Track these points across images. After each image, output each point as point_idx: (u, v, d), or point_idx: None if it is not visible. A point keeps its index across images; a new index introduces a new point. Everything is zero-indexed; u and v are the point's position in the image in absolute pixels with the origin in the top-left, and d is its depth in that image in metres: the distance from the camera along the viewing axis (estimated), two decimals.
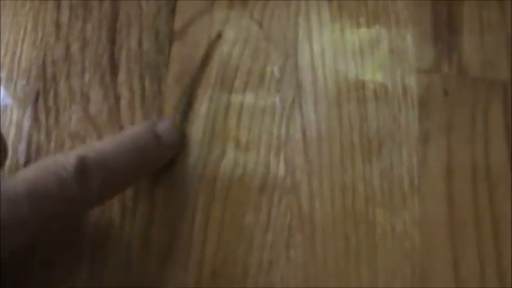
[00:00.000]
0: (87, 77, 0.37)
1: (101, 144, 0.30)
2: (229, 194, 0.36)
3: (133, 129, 0.33)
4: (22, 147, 0.36)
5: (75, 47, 0.38)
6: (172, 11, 0.39)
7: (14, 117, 0.37)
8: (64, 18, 0.38)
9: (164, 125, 0.34)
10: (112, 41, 0.38)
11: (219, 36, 0.39)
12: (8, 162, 0.36)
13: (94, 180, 0.28)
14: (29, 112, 0.37)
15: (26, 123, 0.36)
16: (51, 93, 0.37)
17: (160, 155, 0.34)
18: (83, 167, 0.28)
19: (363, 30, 0.40)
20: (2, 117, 0.37)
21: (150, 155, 0.33)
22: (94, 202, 0.30)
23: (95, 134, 0.36)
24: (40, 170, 0.27)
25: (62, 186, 0.27)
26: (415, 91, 0.39)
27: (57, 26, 0.38)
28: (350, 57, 0.39)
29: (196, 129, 0.37)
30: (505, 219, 0.38)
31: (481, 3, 0.41)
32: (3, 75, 0.37)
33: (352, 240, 0.37)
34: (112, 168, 0.29)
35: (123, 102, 0.37)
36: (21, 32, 0.38)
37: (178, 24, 0.38)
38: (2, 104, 0.37)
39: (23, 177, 0.26)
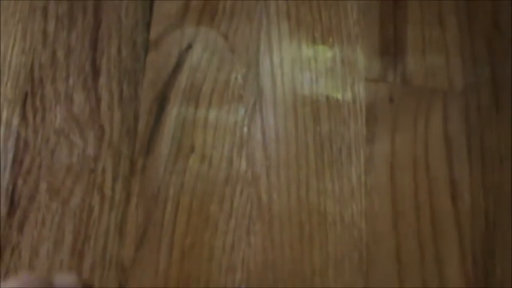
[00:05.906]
0: (71, 80, 0.42)
1: None
2: (196, 186, 0.41)
3: None
4: (11, 142, 0.40)
5: (60, 53, 0.42)
6: (148, 24, 0.43)
7: (4, 115, 0.40)
8: (51, 27, 0.43)
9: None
10: (94, 48, 0.42)
11: (189, 47, 0.43)
12: None
13: None
14: (17, 111, 0.41)
15: (15, 121, 0.40)
16: (39, 95, 0.41)
17: None
18: None
19: (318, 43, 0.45)
20: None
21: None
22: None
23: (78, 131, 0.40)
24: None
25: None
26: (363, 98, 0.44)
27: (44, 34, 0.42)
28: (306, 66, 0.44)
29: (169, 128, 0.41)
30: (442, 210, 0.43)
31: (423, 22, 0.46)
32: None
33: (306, 229, 0.41)
34: None
35: (103, 104, 0.41)
36: (12, 40, 0.42)
37: (153, 35, 0.43)
38: None
39: None
